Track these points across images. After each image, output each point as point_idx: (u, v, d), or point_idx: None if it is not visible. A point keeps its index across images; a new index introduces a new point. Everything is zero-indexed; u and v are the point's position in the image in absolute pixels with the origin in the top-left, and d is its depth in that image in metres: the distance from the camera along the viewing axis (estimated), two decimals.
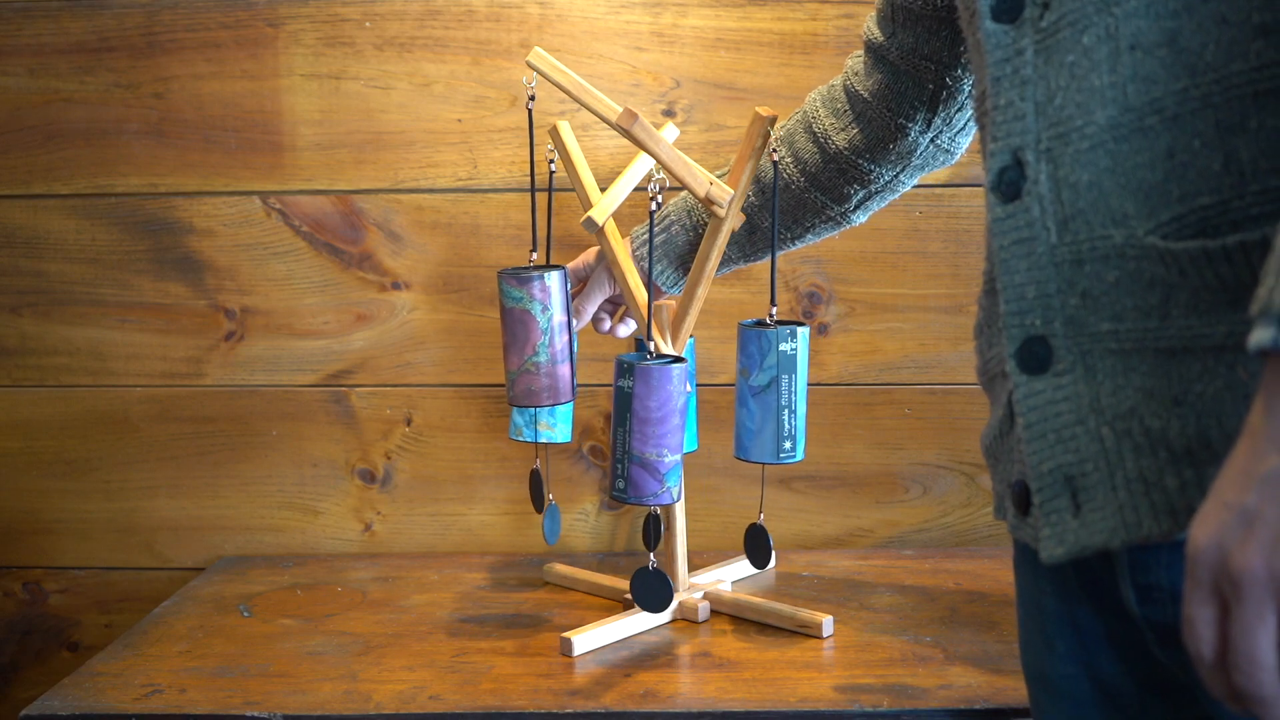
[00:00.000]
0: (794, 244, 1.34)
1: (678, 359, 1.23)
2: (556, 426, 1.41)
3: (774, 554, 1.39)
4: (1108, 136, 0.75)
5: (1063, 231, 0.78)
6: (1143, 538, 0.75)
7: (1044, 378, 0.79)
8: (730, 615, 1.36)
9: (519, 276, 1.29)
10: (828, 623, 1.29)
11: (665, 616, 1.34)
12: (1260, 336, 0.62)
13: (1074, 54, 0.77)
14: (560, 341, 1.31)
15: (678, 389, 1.20)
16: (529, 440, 1.40)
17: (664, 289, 1.36)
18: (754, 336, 1.26)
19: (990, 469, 0.93)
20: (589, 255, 1.38)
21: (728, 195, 1.28)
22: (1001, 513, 0.91)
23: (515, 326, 1.29)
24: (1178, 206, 0.73)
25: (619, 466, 1.20)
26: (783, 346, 1.25)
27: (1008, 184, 0.80)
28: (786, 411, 1.27)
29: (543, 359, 1.30)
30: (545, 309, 1.29)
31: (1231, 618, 0.63)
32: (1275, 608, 0.62)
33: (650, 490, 1.20)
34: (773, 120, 1.25)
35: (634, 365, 1.19)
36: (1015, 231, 0.80)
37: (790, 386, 1.26)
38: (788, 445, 1.27)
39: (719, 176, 1.29)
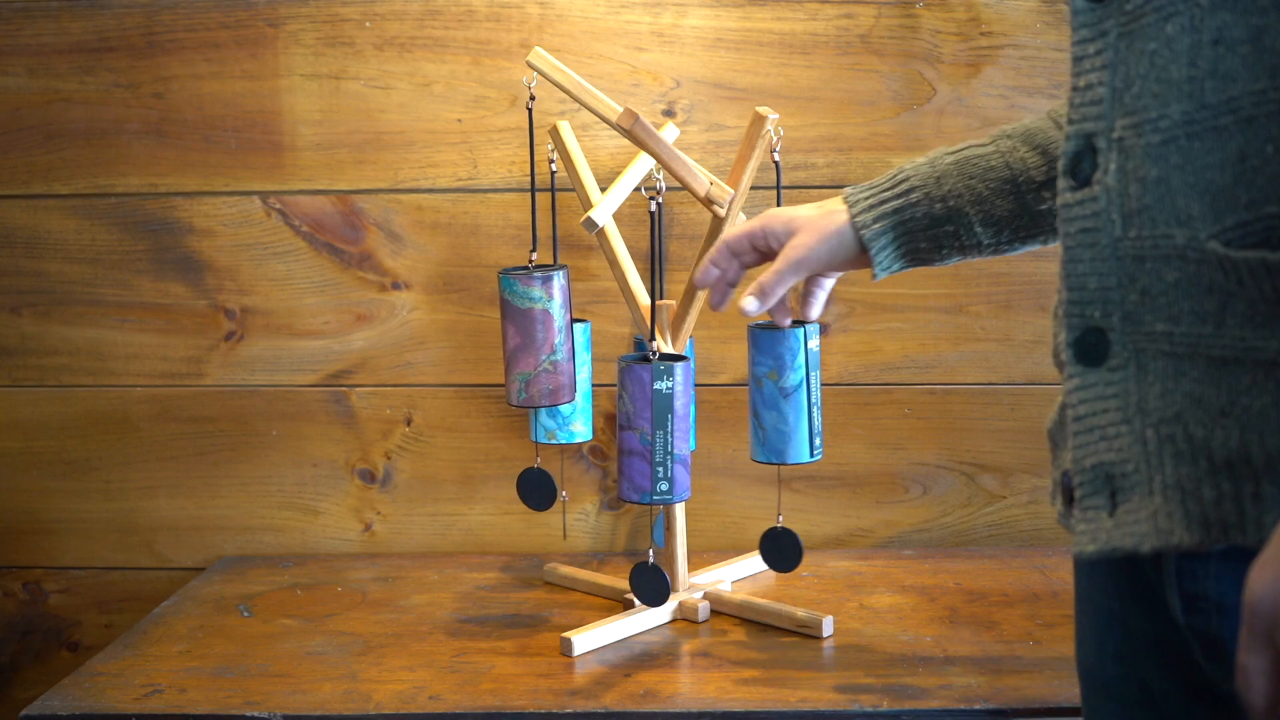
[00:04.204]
0: (1006, 249, 1.10)
1: (680, 356, 1.24)
2: (584, 425, 1.42)
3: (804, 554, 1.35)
4: (1180, 132, 0.73)
5: (1127, 226, 0.76)
6: (1173, 546, 0.73)
7: (1098, 371, 0.78)
8: (730, 615, 1.36)
9: (537, 276, 1.29)
10: (828, 623, 1.29)
11: (665, 615, 1.34)
12: None
13: (1156, 42, 0.74)
14: (569, 340, 1.32)
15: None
16: (563, 441, 1.41)
17: (877, 269, 1.09)
18: (781, 338, 1.24)
19: (1051, 454, 0.91)
20: (761, 226, 1.12)
21: (728, 195, 1.28)
22: (1056, 499, 0.89)
23: (532, 326, 1.29)
24: (1244, 213, 0.71)
25: (660, 470, 1.20)
26: (811, 344, 1.25)
27: (1081, 171, 0.78)
28: (815, 409, 1.26)
29: (559, 357, 1.30)
30: (560, 307, 1.30)
31: None
32: None
33: (685, 485, 1.22)
34: (773, 120, 1.25)
35: (673, 366, 1.20)
36: (1082, 220, 0.78)
37: (816, 383, 1.27)
38: (818, 442, 1.27)
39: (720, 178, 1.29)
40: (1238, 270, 0.71)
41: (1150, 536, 0.74)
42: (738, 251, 1.14)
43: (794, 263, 1.09)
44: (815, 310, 1.18)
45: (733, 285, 1.17)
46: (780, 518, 1.34)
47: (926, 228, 1.07)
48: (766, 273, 1.11)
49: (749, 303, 1.11)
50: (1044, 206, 1.06)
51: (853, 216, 1.08)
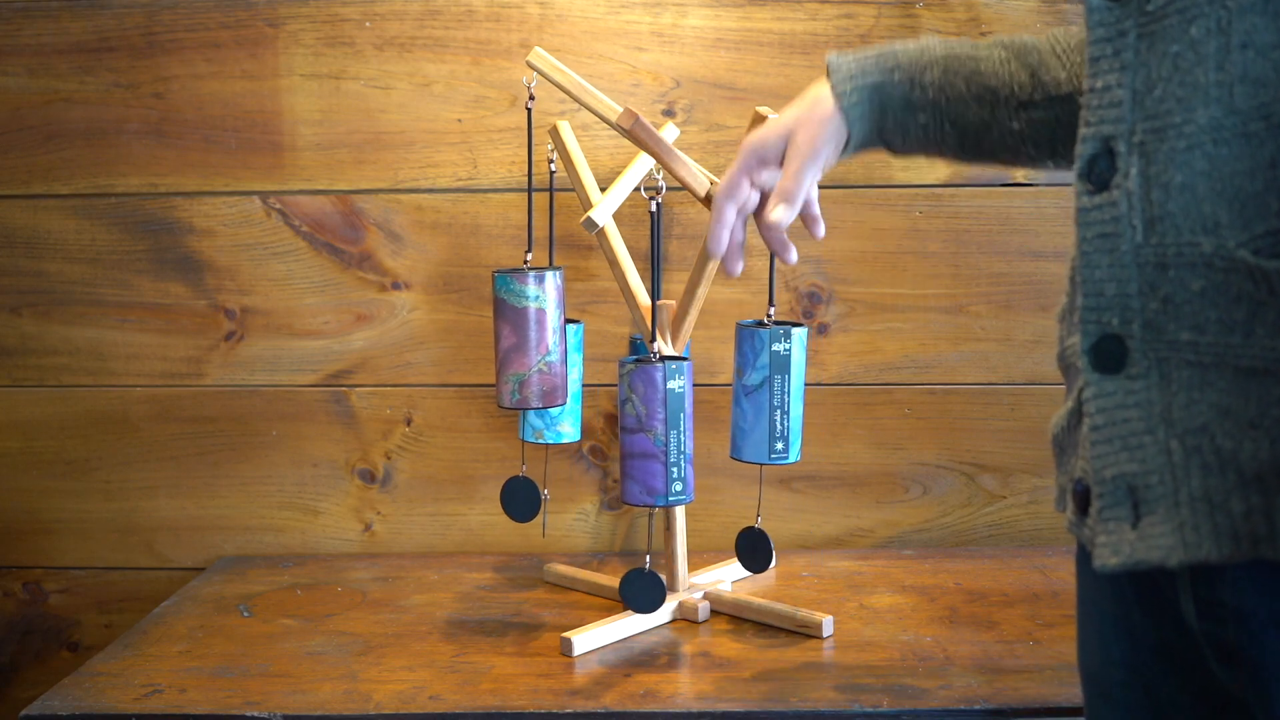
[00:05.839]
0: (968, 157, 1.07)
1: (679, 356, 1.24)
2: (572, 426, 1.42)
3: (774, 556, 1.36)
4: (1207, 138, 0.71)
5: (1149, 232, 0.74)
6: (1201, 559, 0.72)
7: (1116, 379, 0.76)
8: (730, 615, 1.36)
9: (532, 274, 1.29)
10: (828, 623, 1.29)
11: (665, 615, 1.34)
12: None
13: (1180, 44, 0.73)
14: (563, 341, 1.31)
15: None
16: (551, 442, 1.40)
17: (851, 144, 1.04)
18: (748, 336, 1.26)
19: (1055, 459, 0.90)
20: (779, 130, 1.06)
21: None
22: (1062, 506, 0.88)
23: (528, 326, 1.29)
24: (1275, 221, 0.70)
25: (674, 470, 1.20)
26: (775, 346, 1.25)
27: (1097, 174, 0.76)
28: (779, 412, 1.26)
29: (554, 358, 1.30)
30: (555, 307, 1.30)
31: None
32: None
33: (692, 484, 1.22)
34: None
35: (682, 364, 1.20)
36: (1100, 225, 0.76)
37: (783, 387, 1.26)
38: (779, 446, 1.26)
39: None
40: (1269, 280, 0.69)
41: (1177, 550, 0.73)
42: (738, 199, 1.07)
43: (809, 157, 1.03)
44: (820, 227, 1.11)
45: (742, 244, 1.10)
46: (759, 519, 1.35)
47: (900, 109, 1.04)
48: (783, 179, 1.04)
49: (780, 212, 1.03)
50: (1016, 125, 1.02)
51: (834, 84, 1.04)
